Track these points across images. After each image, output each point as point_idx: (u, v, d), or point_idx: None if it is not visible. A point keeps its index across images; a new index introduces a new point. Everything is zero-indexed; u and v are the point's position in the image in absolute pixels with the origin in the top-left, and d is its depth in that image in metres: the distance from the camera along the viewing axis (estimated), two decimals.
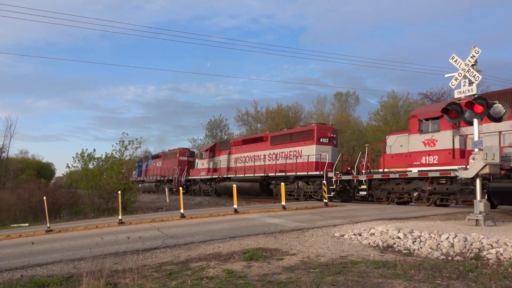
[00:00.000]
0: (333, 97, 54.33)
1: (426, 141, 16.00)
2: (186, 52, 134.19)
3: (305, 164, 21.79)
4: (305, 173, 21.46)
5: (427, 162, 15.81)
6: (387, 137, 18.22)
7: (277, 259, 6.96)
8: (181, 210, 13.54)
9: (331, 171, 19.88)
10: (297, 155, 22.80)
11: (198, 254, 7.65)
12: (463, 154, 14.62)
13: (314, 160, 21.22)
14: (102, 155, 24.62)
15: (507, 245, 6.93)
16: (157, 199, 32.30)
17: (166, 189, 31.86)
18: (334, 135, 22.32)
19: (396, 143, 17.40)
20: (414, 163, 16.29)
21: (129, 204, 22.96)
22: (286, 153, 23.70)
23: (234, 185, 15.05)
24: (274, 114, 49.83)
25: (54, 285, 5.82)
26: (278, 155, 24.21)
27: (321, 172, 20.06)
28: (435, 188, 15.50)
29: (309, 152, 21.80)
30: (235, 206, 14.21)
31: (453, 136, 15.03)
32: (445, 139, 15.27)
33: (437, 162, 15.49)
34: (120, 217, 13.28)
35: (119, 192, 15.37)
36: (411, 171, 16.16)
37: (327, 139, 21.78)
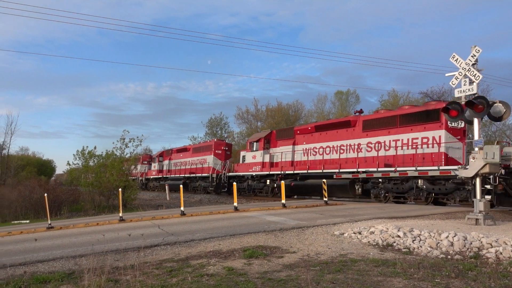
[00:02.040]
0: (333, 96, 54.30)
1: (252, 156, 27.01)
2: (185, 49, 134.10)
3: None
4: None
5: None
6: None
7: (277, 257, 7.00)
8: (182, 208, 13.58)
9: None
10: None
11: (198, 251, 7.68)
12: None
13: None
14: (102, 152, 24.66)
15: (506, 244, 6.97)
16: (157, 197, 32.35)
17: (167, 187, 31.92)
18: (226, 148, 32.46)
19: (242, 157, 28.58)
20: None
21: (129, 202, 22.99)
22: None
23: (234, 183, 15.14)
24: (274, 112, 49.84)
25: (55, 281, 5.85)
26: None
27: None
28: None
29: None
30: (235, 204, 14.25)
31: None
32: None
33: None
34: (120, 214, 13.31)
35: (120, 189, 15.39)
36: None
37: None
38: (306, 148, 22.79)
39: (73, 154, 24.59)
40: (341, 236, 8.86)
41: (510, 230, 8.55)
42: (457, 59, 10.72)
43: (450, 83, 10.94)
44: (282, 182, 15.79)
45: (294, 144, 23.81)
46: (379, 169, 17.94)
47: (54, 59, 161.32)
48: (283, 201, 14.82)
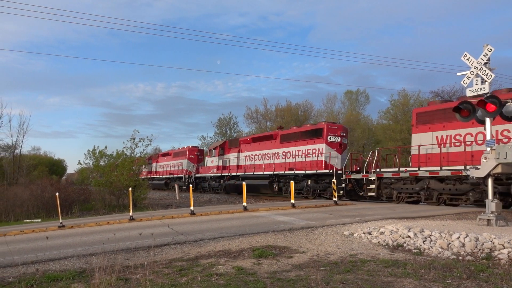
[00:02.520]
0: (343, 95, 54.12)
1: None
2: (194, 49, 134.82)
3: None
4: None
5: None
6: None
7: (287, 256, 6.99)
8: (191, 207, 13.64)
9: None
10: None
11: (208, 251, 7.71)
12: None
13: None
14: (113, 152, 24.89)
15: None
16: (167, 196, 32.52)
17: (176, 186, 32.08)
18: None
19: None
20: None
21: (139, 201, 23.15)
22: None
23: (244, 183, 15.14)
24: (283, 112, 49.75)
25: (67, 279, 5.91)
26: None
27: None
28: None
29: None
30: (244, 203, 14.26)
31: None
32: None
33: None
34: (130, 213, 13.41)
35: (130, 189, 15.50)
36: None
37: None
38: (246, 155, 29.07)
39: (84, 154, 24.96)
40: (351, 237, 8.81)
41: None
42: (469, 58, 10.59)
43: (462, 82, 10.81)
44: (292, 182, 15.76)
45: (239, 151, 30.05)
46: (286, 172, 24.24)
47: (65, 59, 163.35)
48: (293, 201, 14.80)
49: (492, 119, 10.27)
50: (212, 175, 32.89)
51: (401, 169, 17.56)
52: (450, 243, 7.47)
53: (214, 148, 33.44)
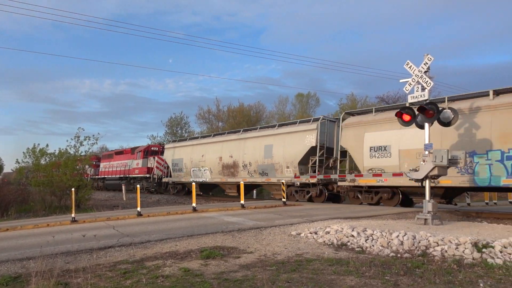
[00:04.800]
0: (294, 98, 54.95)
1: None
2: (145, 46, 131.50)
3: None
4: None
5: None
6: None
7: (234, 257, 7.01)
8: (138, 208, 13.28)
9: None
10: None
11: (154, 252, 7.55)
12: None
13: None
14: (55, 150, 23.63)
15: (451, 242, 7.36)
16: (113, 197, 31.41)
17: (123, 187, 31.10)
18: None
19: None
20: None
21: (83, 202, 22.14)
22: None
23: (194, 183, 14.99)
24: (235, 113, 49.72)
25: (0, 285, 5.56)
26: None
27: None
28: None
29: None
30: (193, 204, 14.11)
31: None
32: None
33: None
34: (73, 215, 12.82)
35: (73, 189, 14.81)
36: None
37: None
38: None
39: (23, 152, 23.41)
40: (298, 236, 9.00)
41: (455, 230, 9.03)
42: (411, 66, 11.17)
43: (404, 89, 11.38)
44: (242, 183, 15.82)
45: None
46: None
47: (3, 51, 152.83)
48: (242, 201, 14.85)
49: (430, 124, 10.92)
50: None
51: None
52: (390, 242, 7.85)
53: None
